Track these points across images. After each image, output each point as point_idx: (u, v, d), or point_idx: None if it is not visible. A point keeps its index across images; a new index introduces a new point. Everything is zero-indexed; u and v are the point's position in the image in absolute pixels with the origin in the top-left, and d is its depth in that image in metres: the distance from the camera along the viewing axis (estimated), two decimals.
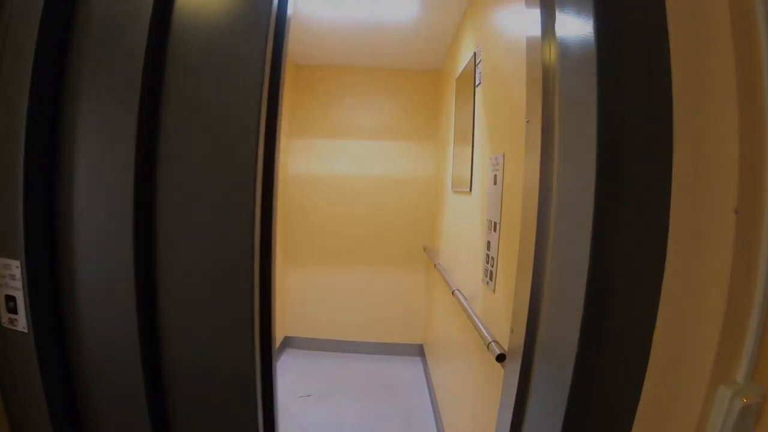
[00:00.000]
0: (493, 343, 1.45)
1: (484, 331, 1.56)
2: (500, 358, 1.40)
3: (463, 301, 1.95)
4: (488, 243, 1.74)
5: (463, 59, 2.53)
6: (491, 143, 1.80)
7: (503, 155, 1.58)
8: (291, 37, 3.45)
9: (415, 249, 3.92)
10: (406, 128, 3.91)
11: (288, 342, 4.04)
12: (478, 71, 2.13)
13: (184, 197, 0.99)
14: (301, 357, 3.89)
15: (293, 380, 3.45)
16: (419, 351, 4.01)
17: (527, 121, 1.05)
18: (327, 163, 3.91)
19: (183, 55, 1.00)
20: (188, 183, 0.99)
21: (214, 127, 1.00)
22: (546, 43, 0.96)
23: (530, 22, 1.02)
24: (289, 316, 4.02)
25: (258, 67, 0.97)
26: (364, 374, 3.64)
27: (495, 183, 1.66)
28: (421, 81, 3.89)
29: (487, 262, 1.75)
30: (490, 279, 1.69)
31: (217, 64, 0.99)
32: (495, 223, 1.65)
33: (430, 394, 3.27)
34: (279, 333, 3.86)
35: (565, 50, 0.89)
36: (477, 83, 2.12)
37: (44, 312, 0.91)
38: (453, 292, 2.10)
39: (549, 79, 0.95)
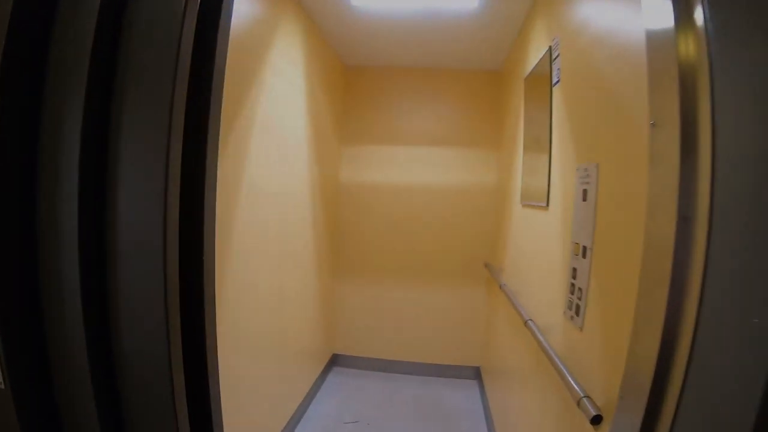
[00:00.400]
0: (585, 400, 1.16)
1: (571, 381, 1.27)
2: (596, 420, 1.12)
3: (538, 335, 1.66)
4: (573, 270, 1.45)
5: (533, 56, 2.24)
6: (577, 151, 1.51)
7: (596, 165, 1.30)
8: (338, 36, 3.18)
9: (475, 265, 3.62)
10: (464, 134, 3.64)
11: (335, 360, 3.84)
12: (555, 68, 1.85)
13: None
14: (349, 377, 3.68)
15: (339, 403, 3.24)
16: (475, 374, 3.71)
17: (652, 124, 0.79)
18: (380, 171, 3.70)
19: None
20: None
21: None
22: (682, 35, 0.74)
23: (650, 11, 0.82)
24: (338, 332, 3.82)
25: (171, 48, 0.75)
26: (416, 398, 3.38)
27: (584, 199, 1.38)
28: (480, 82, 3.62)
29: (572, 293, 1.46)
30: (576, 313, 1.41)
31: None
32: (584, 248, 1.36)
33: (488, 422, 2.97)
34: (327, 350, 3.67)
35: (728, 43, 0.64)
36: (554, 82, 1.84)
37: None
38: (526, 323, 1.82)
39: (691, 77, 0.72)
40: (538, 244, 1.99)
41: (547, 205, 1.82)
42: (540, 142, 2.02)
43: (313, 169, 2.99)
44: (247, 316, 2.04)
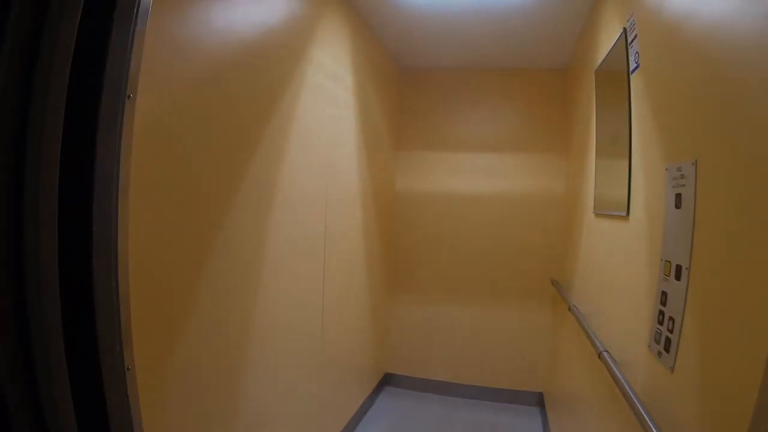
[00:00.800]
0: None
1: None
2: None
3: (616, 372, 1.37)
4: (662, 294, 1.17)
5: (604, 43, 1.96)
6: (665, 147, 1.23)
7: (693, 163, 1.02)
8: (389, 35, 3.00)
9: (541, 281, 3.30)
10: (528, 138, 3.35)
11: (388, 380, 3.62)
12: (632, 52, 1.56)
13: None
14: (402, 399, 3.45)
15: (389, 428, 3.02)
16: (538, 400, 3.36)
17: None
18: (438, 179, 3.48)
19: None
20: None
21: None
22: None
23: None
24: (392, 350, 3.61)
25: None
26: (473, 425, 3.10)
27: (678, 206, 1.10)
28: (545, 81, 3.32)
29: (660, 322, 1.18)
30: (665, 349, 1.12)
31: None
32: (678, 267, 1.08)
33: None
34: (378, 369, 3.47)
35: None
36: (632, 69, 1.56)
37: None
38: (600, 355, 1.53)
39: None
40: (616, 261, 1.69)
41: (627, 214, 1.53)
42: (617, 142, 1.73)
43: (365, 176, 2.82)
44: (276, 333, 1.89)
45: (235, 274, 1.54)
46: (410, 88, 3.55)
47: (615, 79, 1.78)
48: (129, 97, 0.95)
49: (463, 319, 3.46)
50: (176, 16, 1.20)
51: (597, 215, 2.07)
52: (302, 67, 1.96)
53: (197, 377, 1.37)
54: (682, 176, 1.09)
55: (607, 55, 1.90)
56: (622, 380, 1.30)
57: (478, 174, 3.41)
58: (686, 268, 1.04)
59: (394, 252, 3.56)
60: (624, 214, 1.55)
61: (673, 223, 1.13)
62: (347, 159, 2.55)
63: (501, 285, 3.40)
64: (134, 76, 0.93)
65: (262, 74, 1.64)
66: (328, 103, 2.25)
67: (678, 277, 1.08)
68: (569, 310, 2.23)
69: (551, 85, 3.31)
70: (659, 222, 1.22)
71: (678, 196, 1.10)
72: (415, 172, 3.53)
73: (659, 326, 1.18)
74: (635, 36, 1.53)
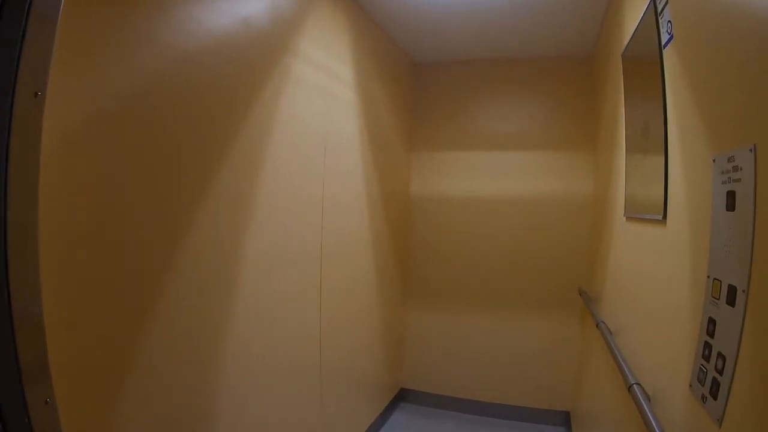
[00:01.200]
0: None
1: None
2: None
3: (647, 411, 1.11)
4: (709, 322, 0.92)
5: (631, 20, 1.69)
6: (711, 134, 0.98)
7: (752, 149, 0.77)
8: (402, 31, 2.77)
9: (568, 291, 3.01)
10: (552, 135, 3.07)
11: (404, 395, 3.39)
12: (663, 22, 1.30)
13: None
14: (419, 416, 3.21)
15: None
16: (564, 420, 3.07)
17: None
18: (455, 181, 3.24)
19: None
20: None
21: None
22: None
23: None
24: (408, 364, 3.37)
25: None
26: None
27: (731, 207, 0.85)
28: (569, 71, 3.05)
29: (705, 358, 0.92)
30: (712, 394, 0.87)
31: None
32: (732, 289, 0.83)
33: None
34: (393, 384, 3.24)
35: None
36: (664, 42, 1.30)
37: None
38: (629, 388, 1.27)
39: None
40: (650, 273, 1.42)
41: (664, 217, 1.27)
42: (649, 133, 1.46)
43: (371, 178, 2.61)
44: (264, 351, 1.69)
45: (198, 304, 1.33)
46: (425, 84, 3.32)
47: (645, 60, 1.52)
48: (37, 95, 0.81)
49: (484, 331, 3.20)
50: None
51: (628, 218, 1.80)
52: (286, 60, 1.77)
53: None
54: (736, 168, 0.83)
55: (634, 33, 1.63)
56: (655, 426, 1.04)
57: (499, 175, 3.16)
58: (742, 291, 0.79)
59: (410, 259, 3.33)
60: (660, 217, 1.29)
61: (723, 231, 0.88)
62: (348, 160, 2.34)
63: (524, 294, 3.13)
64: (40, 69, 0.81)
65: (234, 66, 1.45)
66: (322, 99, 2.05)
67: (731, 302, 0.83)
68: (597, 326, 1.96)
69: (576, 75, 3.02)
70: (704, 229, 0.97)
71: (730, 194, 0.85)
72: (431, 174, 3.29)
73: (704, 363, 0.92)
74: (666, 3, 1.27)
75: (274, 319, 1.73)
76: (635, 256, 1.66)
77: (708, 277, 0.94)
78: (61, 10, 0.83)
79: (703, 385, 0.91)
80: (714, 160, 0.93)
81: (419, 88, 3.33)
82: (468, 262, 3.22)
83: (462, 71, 3.24)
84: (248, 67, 1.53)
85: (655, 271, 1.36)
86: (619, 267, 1.95)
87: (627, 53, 1.79)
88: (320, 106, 2.04)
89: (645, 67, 1.52)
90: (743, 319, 0.79)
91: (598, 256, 2.57)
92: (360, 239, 2.50)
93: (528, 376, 3.13)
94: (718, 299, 0.88)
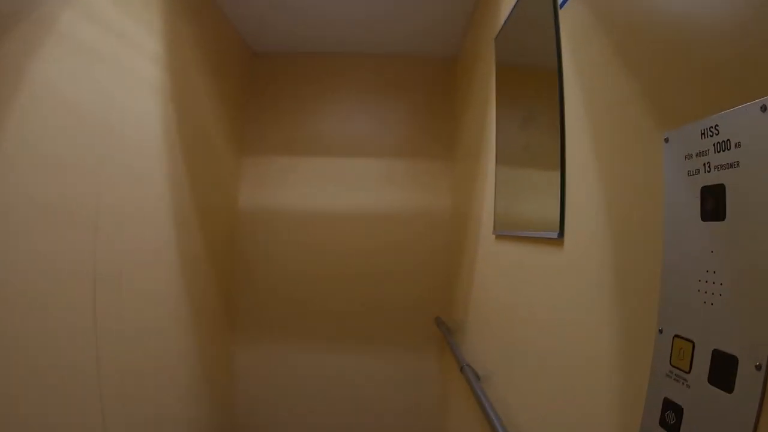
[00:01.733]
0: None
1: None
2: None
3: None
4: (668, 407, 0.54)
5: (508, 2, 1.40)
6: (652, 103, 0.63)
7: (764, 107, 0.40)
8: (243, 12, 2.32)
9: (423, 321, 2.66)
10: (410, 141, 2.75)
11: None
12: None
13: None
14: None
15: None
16: None
17: None
18: (296, 191, 2.73)
19: None
20: None
21: None
22: None
23: None
24: (239, 415, 2.74)
25: None
26: None
27: (715, 214, 0.48)
28: (432, 72, 2.77)
29: None
30: None
31: None
32: (730, 361, 0.45)
33: None
34: None
35: None
36: (561, 2, 0.97)
37: None
38: None
39: None
40: (536, 307, 1.07)
41: (561, 235, 0.91)
42: (534, 122, 1.13)
43: (182, 186, 1.99)
44: None
45: None
46: (266, 78, 2.80)
47: (528, 36, 1.21)
48: None
49: (326, 368, 2.70)
50: None
51: (499, 237, 1.47)
52: (49, 6, 1.15)
53: None
54: (723, 146, 0.47)
55: (514, 7, 1.33)
56: None
57: (349, 185, 2.73)
58: (756, 368, 0.42)
59: (237, 287, 2.72)
60: (553, 235, 0.94)
61: (696, 255, 0.51)
62: (146, 158, 1.71)
63: (377, 325, 2.71)
64: None
65: None
66: (106, 71, 1.43)
67: (724, 383, 0.46)
68: (461, 371, 1.60)
69: (439, 76, 2.75)
70: (645, 250, 0.60)
71: (711, 191, 0.49)
72: (267, 184, 2.75)
73: None
74: None
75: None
76: (511, 283, 1.32)
77: (660, 331, 0.57)
78: None
79: None
80: (666, 140, 0.58)
81: (258, 82, 2.80)
82: (311, 288, 2.71)
83: (311, 65, 2.79)
84: None
85: (544, 307, 1.01)
86: (488, 295, 1.62)
87: (501, 36, 1.48)
88: (102, 80, 1.42)
89: (528, 44, 1.21)
90: (757, 419, 0.42)
91: (459, 281, 2.27)
92: (163, 263, 1.86)
93: (379, 425, 2.70)
94: (688, 372, 0.51)
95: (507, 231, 1.35)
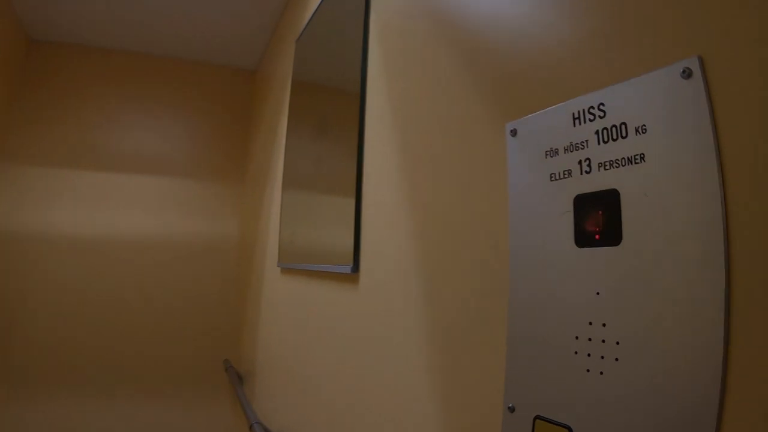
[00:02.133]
0: None
1: None
2: None
3: None
4: None
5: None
6: (499, 91, 0.46)
7: (699, 58, 0.24)
8: None
9: (212, 365, 2.21)
10: (200, 159, 2.35)
11: None
12: None
13: None
14: None
15: None
16: None
17: None
18: (63, 211, 2.07)
19: None
20: None
21: None
22: None
23: None
24: None
25: None
26: None
27: (598, 237, 0.32)
28: (233, 83, 2.46)
29: None
30: None
31: None
32: None
33: None
34: None
35: None
36: None
37: None
38: None
39: None
40: (329, 358, 0.84)
41: (356, 269, 0.70)
42: (327, 129, 0.93)
43: None
44: None
45: None
46: (43, 71, 2.12)
47: (334, 29, 1.02)
48: None
49: (104, 423, 2.04)
50: None
51: (284, 271, 1.23)
52: None
53: None
54: (612, 132, 0.30)
55: (319, 5, 1.13)
56: None
57: (129, 206, 2.15)
58: None
59: None
60: (348, 269, 0.72)
61: (576, 302, 0.33)
62: None
63: (162, 373, 2.16)
64: None
65: None
66: None
67: None
68: (251, 429, 1.27)
69: (241, 89, 2.44)
70: (490, 297, 0.41)
71: (597, 202, 0.32)
72: (25, 200, 2.02)
73: None
74: None
75: None
76: (299, 324, 1.08)
77: (511, 409, 0.38)
78: None
79: None
80: (513, 132, 0.41)
81: (33, 74, 2.11)
82: (81, 330, 2.05)
83: (96, 61, 2.19)
84: None
85: (342, 356, 0.78)
86: (275, 337, 1.35)
87: (304, 36, 1.27)
88: None
89: (332, 42, 1.01)
90: None
91: (246, 319, 1.95)
92: None
93: None
94: None
95: (293, 264, 1.11)
